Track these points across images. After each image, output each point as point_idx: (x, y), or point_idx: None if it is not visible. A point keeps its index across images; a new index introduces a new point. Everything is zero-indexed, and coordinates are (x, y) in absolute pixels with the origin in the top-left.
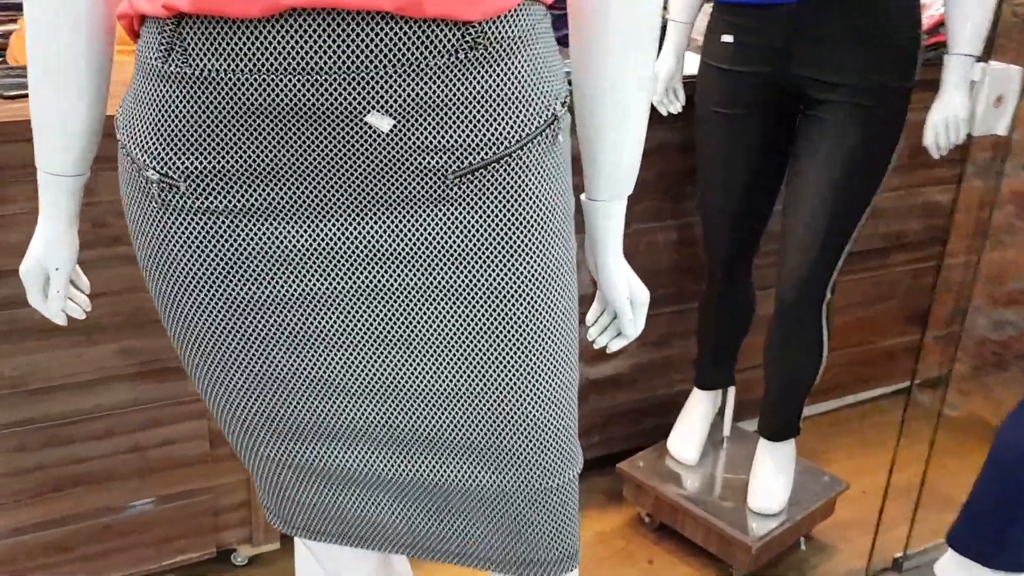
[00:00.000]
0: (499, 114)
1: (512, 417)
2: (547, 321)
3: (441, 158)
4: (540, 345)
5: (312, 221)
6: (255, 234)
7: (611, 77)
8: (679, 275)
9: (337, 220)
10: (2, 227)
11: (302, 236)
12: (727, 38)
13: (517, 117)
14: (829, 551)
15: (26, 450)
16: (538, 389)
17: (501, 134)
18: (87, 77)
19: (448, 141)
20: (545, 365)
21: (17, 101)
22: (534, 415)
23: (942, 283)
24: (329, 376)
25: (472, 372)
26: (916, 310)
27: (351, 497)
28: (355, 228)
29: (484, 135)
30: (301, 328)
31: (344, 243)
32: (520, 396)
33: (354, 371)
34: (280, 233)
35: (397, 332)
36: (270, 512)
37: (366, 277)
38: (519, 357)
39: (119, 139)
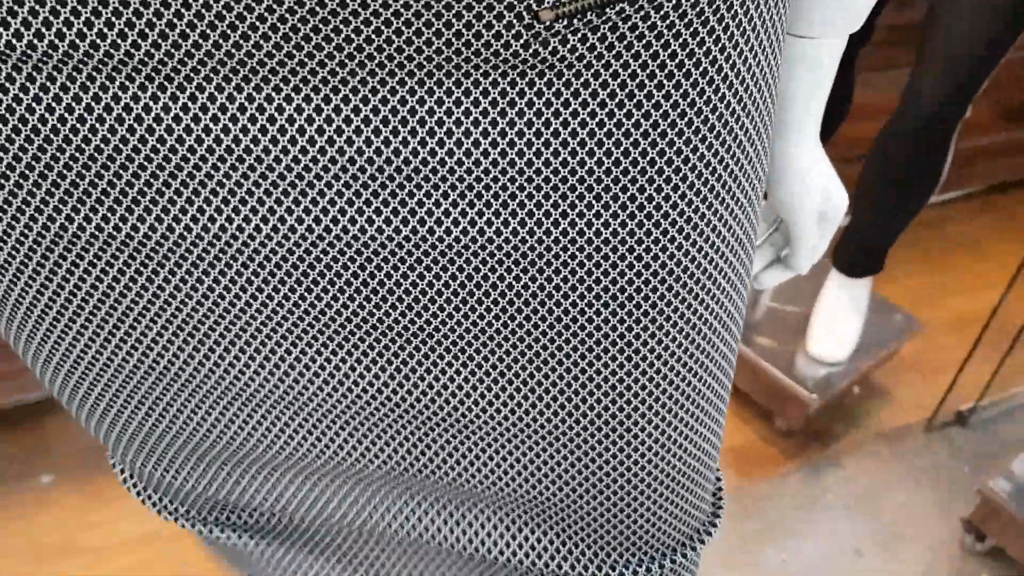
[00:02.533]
0: None
1: (594, 463)
2: (705, 305)
3: None
4: (681, 339)
5: (243, 94)
6: (156, 118)
7: None
8: None
9: (309, 101)
10: None
11: (248, 126)
12: None
13: None
14: (885, 397)
15: None
16: (664, 414)
17: None
18: None
19: None
20: (685, 374)
21: None
22: (638, 463)
23: None
24: (269, 368)
25: (552, 386)
26: (1013, 105)
27: (329, 561)
28: (338, 113)
29: None
30: (200, 277)
31: (327, 140)
32: (624, 423)
33: (341, 367)
34: (171, 115)
35: (404, 307)
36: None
37: (351, 200)
38: (641, 361)
39: None
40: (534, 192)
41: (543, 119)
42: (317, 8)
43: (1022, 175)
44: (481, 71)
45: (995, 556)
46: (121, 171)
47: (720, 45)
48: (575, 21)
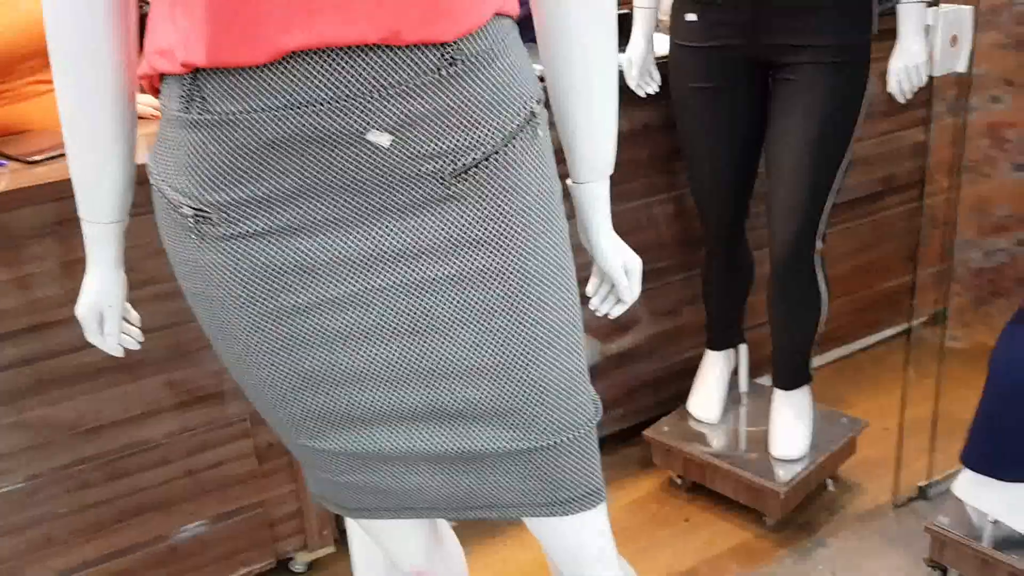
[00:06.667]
0: (483, 118)
1: (524, 384)
2: (546, 293)
3: (438, 162)
4: (542, 316)
5: (333, 233)
6: (283, 250)
7: (575, 68)
8: (681, 245)
9: (355, 229)
10: (39, 284)
11: (325, 247)
12: (691, 17)
13: (499, 118)
14: (856, 489)
15: (88, 487)
16: (545, 356)
17: (487, 135)
18: (113, 134)
19: (442, 147)
20: (549, 333)
21: (39, 165)
22: (545, 380)
23: (929, 221)
24: (361, 368)
25: (484, 348)
26: (914, 250)
27: (390, 472)
28: (372, 233)
29: (472, 138)
30: (333, 328)
31: (363, 248)
32: (530, 364)
33: (383, 361)
34: (305, 247)
35: (417, 321)
36: (321, 498)
37: (386, 275)
38: (525, 329)
39: (152, 183)
40: (452, 253)
41: (450, 213)
42: (351, 185)
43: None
44: (421, 198)
45: None
46: (282, 273)
47: (519, 175)
48: (460, 176)
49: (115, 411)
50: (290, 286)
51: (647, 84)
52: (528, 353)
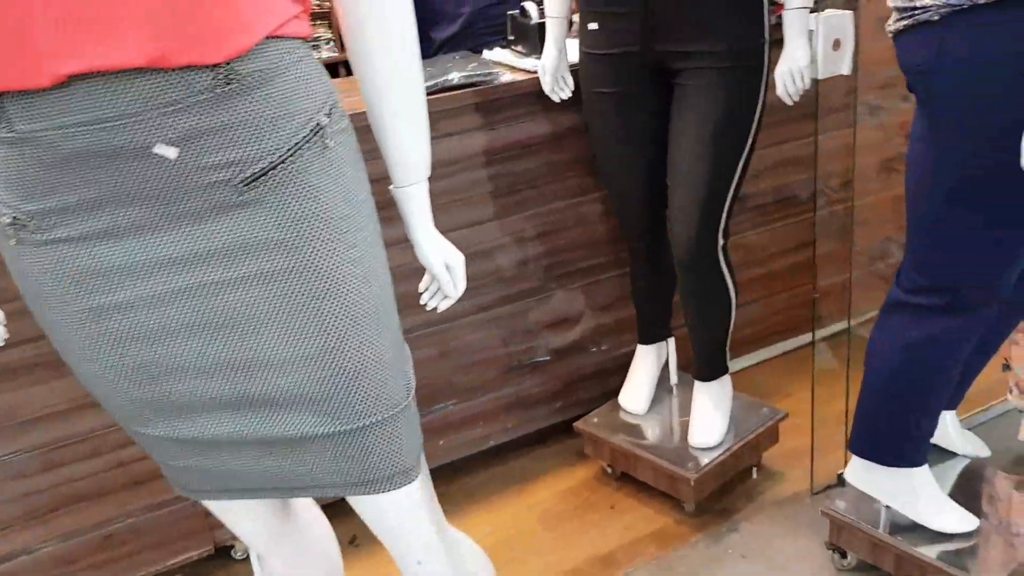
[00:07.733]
0: (265, 131)
1: (328, 374)
2: (346, 289)
3: (226, 172)
4: (344, 309)
5: (137, 238)
6: (93, 254)
7: (377, 83)
8: (614, 243)
9: (157, 234)
10: None
11: (131, 251)
12: (593, 25)
13: (283, 131)
14: (778, 477)
15: (24, 476)
16: (348, 347)
17: (272, 146)
18: None
19: (228, 158)
20: (351, 325)
21: None
22: (348, 369)
23: (862, 222)
24: (175, 361)
25: (288, 341)
26: (855, 248)
27: (216, 456)
28: (172, 238)
29: (257, 149)
30: (145, 325)
31: (166, 251)
32: (332, 355)
33: (193, 355)
34: (113, 251)
35: (221, 317)
36: (168, 479)
37: (189, 276)
38: (327, 322)
39: None
40: (251, 254)
41: (244, 219)
42: (149, 194)
43: None
44: (216, 204)
45: (862, 569)
46: (94, 275)
47: (310, 182)
48: (250, 184)
49: (45, 405)
50: (102, 287)
51: (560, 90)
52: (330, 345)
